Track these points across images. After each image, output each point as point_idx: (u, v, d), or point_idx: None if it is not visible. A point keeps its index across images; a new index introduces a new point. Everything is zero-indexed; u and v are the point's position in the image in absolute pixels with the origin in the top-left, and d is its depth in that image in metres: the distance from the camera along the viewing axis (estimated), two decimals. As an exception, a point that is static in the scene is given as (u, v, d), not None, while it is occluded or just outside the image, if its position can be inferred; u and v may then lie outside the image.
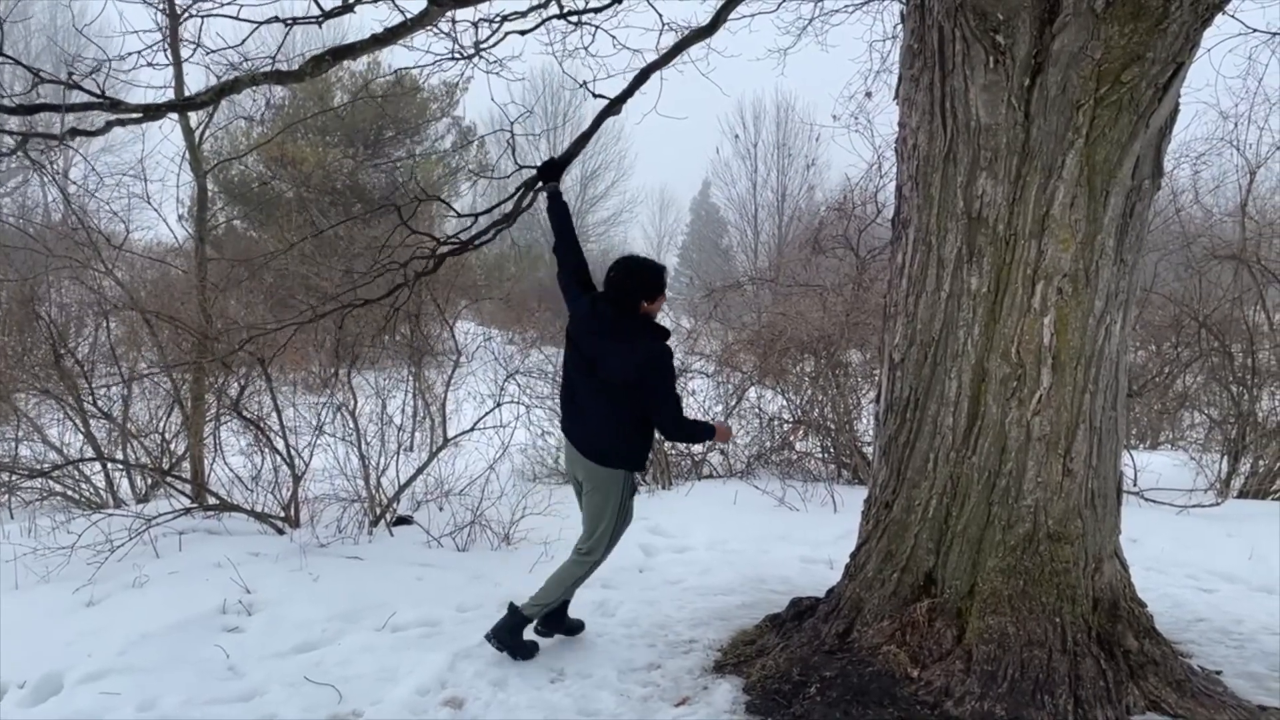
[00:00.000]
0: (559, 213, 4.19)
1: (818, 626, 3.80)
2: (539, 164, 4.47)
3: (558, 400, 8.37)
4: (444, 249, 4.98)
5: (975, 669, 3.32)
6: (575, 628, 4.22)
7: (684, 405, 3.88)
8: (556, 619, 4.15)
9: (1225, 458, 7.76)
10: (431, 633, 4.20)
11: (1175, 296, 8.58)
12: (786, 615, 4.12)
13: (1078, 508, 3.44)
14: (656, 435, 4.01)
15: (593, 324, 3.81)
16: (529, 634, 4.03)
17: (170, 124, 7.14)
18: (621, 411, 3.75)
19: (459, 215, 5.34)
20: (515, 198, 4.76)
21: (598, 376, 3.76)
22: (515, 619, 3.93)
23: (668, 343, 3.79)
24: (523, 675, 3.76)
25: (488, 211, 5.60)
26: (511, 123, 4.54)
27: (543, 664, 3.88)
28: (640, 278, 3.78)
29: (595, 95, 4.65)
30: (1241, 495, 7.44)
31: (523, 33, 4.93)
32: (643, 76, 4.52)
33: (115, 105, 3.40)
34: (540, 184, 4.53)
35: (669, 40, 6.78)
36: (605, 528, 3.89)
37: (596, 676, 3.75)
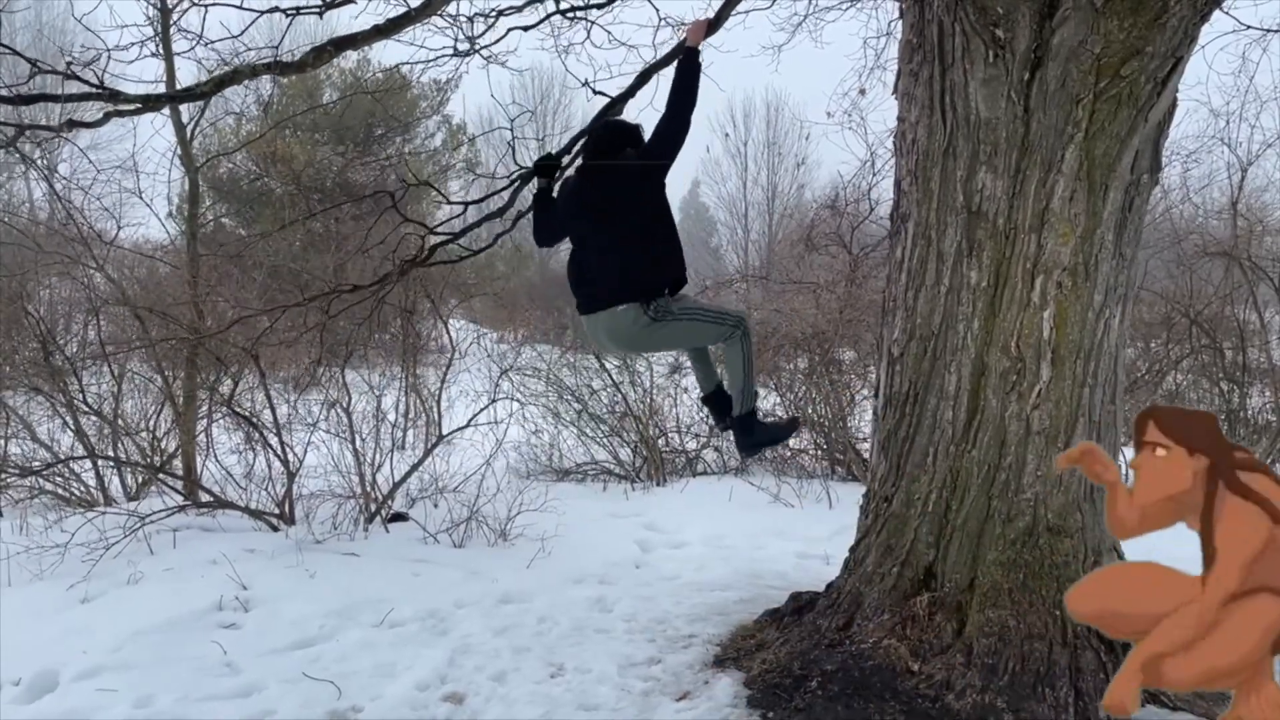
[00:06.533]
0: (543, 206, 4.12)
1: (817, 621, 3.80)
2: (533, 160, 4.40)
3: (551, 396, 8.43)
4: (435, 239, 4.94)
5: (976, 662, 3.32)
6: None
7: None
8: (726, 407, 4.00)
9: (1216, 454, 7.79)
10: (430, 628, 4.19)
11: (1166, 293, 8.62)
12: (786, 610, 4.11)
13: (1077, 501, 3.45)
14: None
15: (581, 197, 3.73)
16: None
17: (161, 119, 7.10)
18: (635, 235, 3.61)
19: (449, 201, 5.30)
20: (510, 190, 4.71)
21: (608, 220, 3.63)
22: (747, 421, 3.84)
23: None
24: (522, 670, 3.75)
25: (479, 201, 5.55)
26: (511, 120, 4.50)
27: (542, 658, 3.87)
28: (617, 138, 3.76)
29: (596, 92, 4.59)
30: (1232, 491, 7.47)
31: (525, 29, 4.89)
32: (645, 76, 4.47)
33: (114, 96, 3.37)
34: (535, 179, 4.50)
35: (665, 36, 6.79)
36: (702, 318, 3.72)
37: (596, 671, 3.74)
